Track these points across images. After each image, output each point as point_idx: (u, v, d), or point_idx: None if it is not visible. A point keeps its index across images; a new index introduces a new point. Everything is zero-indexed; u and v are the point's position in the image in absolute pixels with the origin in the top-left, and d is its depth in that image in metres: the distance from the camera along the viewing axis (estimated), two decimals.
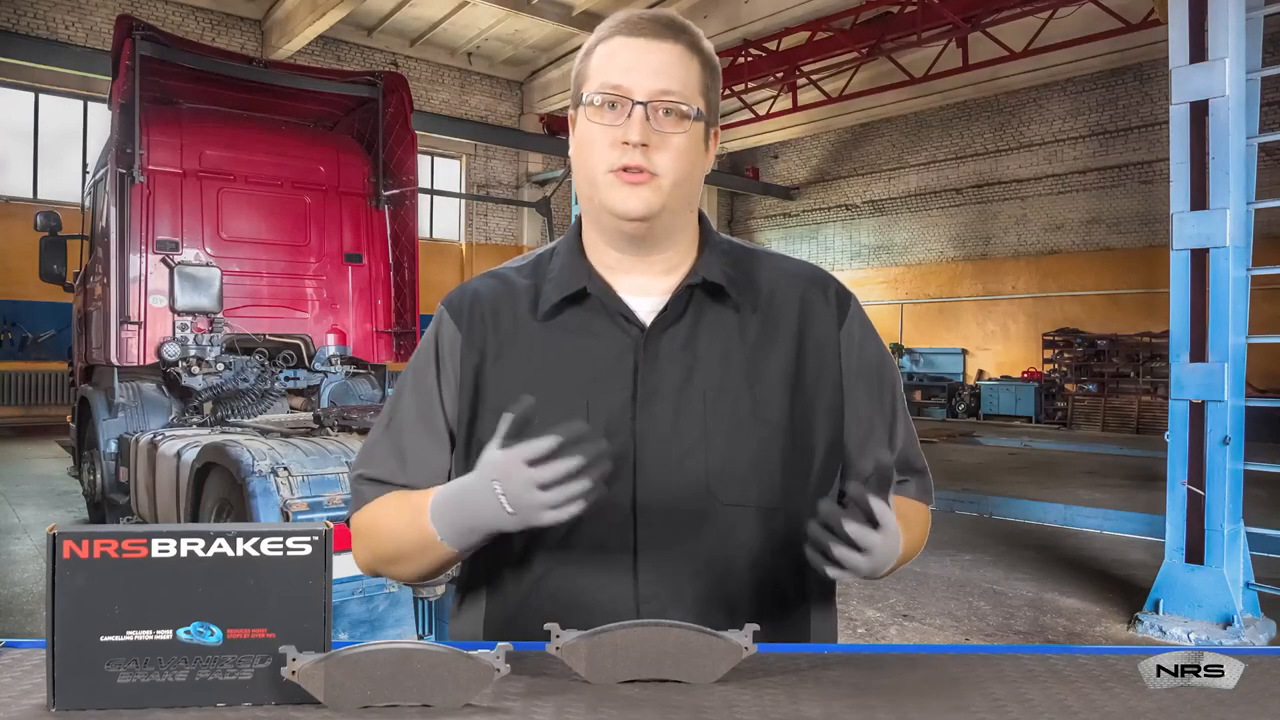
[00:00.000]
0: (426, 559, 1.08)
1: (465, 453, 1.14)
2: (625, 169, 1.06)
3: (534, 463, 0.93)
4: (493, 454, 0.97)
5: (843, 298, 1.19)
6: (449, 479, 1.12)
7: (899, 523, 1.04)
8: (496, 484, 0.96)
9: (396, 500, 1.14)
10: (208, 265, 5.76)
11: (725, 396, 1.10)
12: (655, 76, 1.07)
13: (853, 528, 0.95)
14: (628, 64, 1.08)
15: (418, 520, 1.05)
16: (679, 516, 1.07)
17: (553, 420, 1.05)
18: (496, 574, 1.14)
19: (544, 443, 0.93)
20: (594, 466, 0.93)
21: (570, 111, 1.14)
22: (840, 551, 0.96)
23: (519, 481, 0.94)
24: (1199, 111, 4.43)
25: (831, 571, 0.98)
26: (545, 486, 0.93)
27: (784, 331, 1.14)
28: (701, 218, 1.20)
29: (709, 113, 1.11)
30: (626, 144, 1.06)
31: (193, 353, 5.65)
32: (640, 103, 1.06)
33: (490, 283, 1.20)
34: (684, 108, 1.07)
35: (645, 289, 1.13)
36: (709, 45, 1.13)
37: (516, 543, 1.09)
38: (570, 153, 1.15)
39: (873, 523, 0.96)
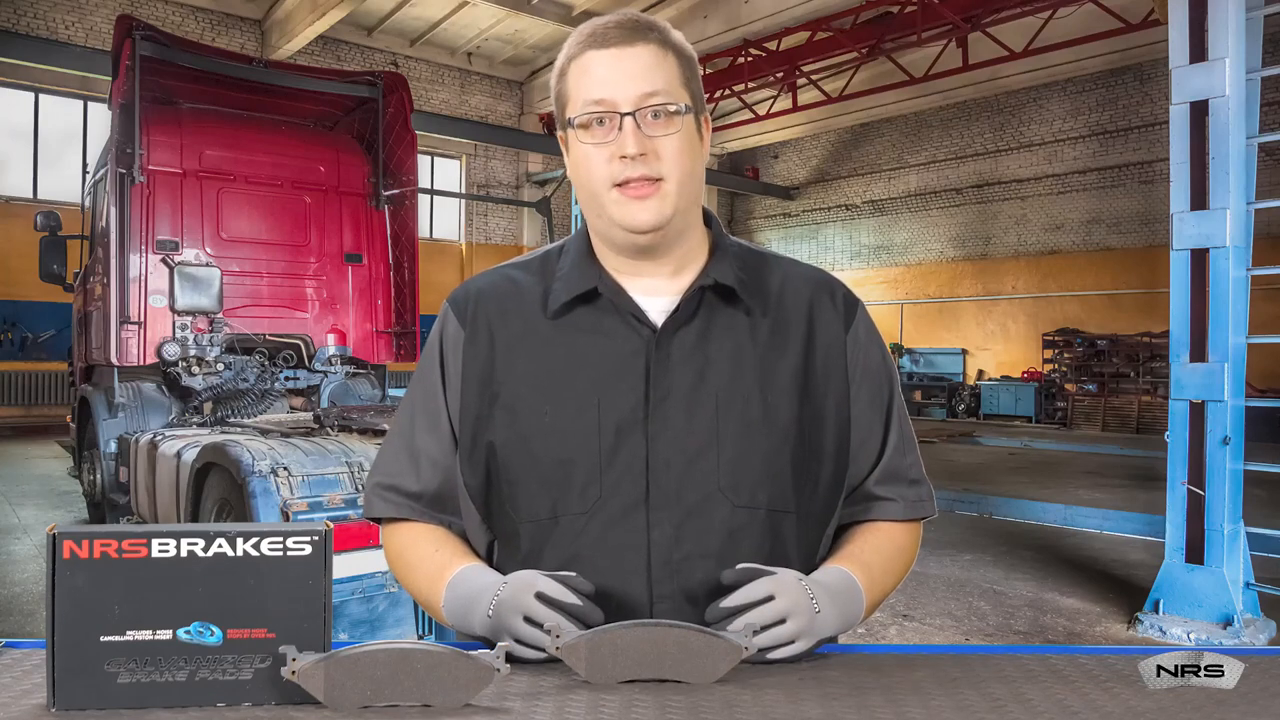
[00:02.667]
0: (433, 614, 1.14)
1: (471, 449, 1.13)
2: (628, 182, 1.06)
3: (540, 596, 0.98)
4: (522, 571, 1.03)
5: (850, 303, 1.19)
6: (458, 476, 1.14)
7: (861, 571, 1.10)
8: (503, 588, 1.01)
9: (428, 550, 1.15)
10: (208, 265, 5.77)
11: (737, 398, 1.09)
12: (635, 82, 1.05)
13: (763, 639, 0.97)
14: (605, 76, 1.06)
15: (434, 587, 1.11)
16: (691, 517, 1.07)
17: (564, 418, 1.07)
18: (508, 574, 1.15)
19: (558, 587, 0.98)
20: (570, 625, 0.96)
21: (560, 133, 1.13)
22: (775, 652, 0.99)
23: (516, 604, 0.99)
24: (1199, 111, 4.42)
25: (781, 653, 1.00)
26: (529, 620, 0.97)
27: (794, 335, 1.14)
28: (712, 219, 1.19)
29: (695, 103, 1.10)
30: (624, 158, 1.05)
31: (193, 353, 5.65)
32: (627, 113, 1.05)
33: (496, 280, 1.19)
34: (671, 107, 1.06)
35: (656, 289, 1.13)
36: (678, 35, 1.12)
37: (525, 544, 1.10)
38: (568, 172, 1.15)
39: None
